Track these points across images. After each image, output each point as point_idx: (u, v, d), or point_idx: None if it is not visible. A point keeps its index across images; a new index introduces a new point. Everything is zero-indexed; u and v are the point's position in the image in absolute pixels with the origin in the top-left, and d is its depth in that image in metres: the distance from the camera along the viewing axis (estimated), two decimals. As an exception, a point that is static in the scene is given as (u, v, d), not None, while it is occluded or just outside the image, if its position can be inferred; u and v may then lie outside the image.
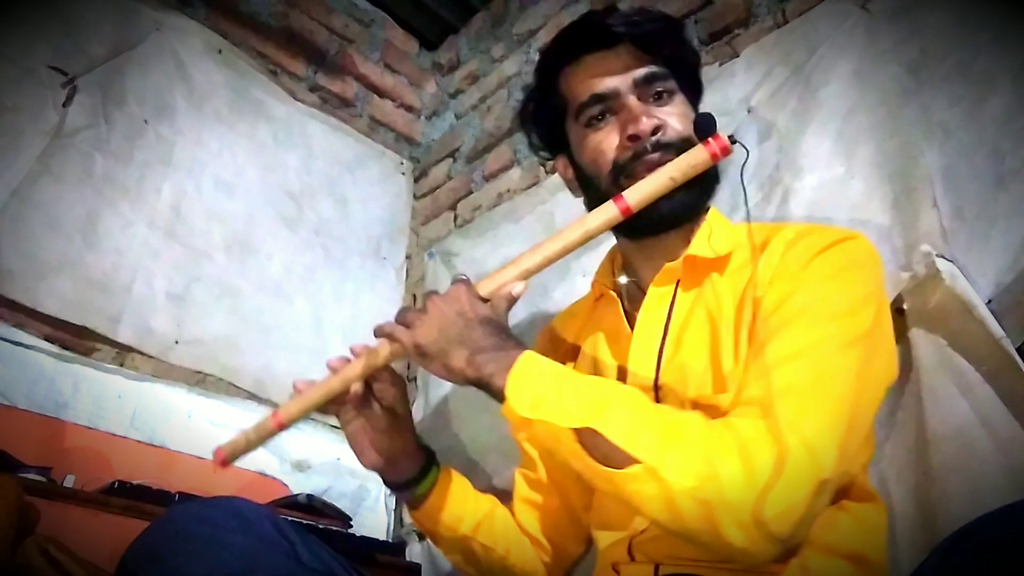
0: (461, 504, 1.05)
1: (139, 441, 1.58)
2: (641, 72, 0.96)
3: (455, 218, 2.19)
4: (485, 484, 1.67)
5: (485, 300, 0.87)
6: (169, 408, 1.65)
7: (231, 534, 0.78)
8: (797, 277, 0.84)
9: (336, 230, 2.10)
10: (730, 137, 0.87)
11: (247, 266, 1.87)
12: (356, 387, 0.93)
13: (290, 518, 1.46)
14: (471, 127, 2.25)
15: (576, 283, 1.64)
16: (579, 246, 0.89)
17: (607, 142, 0.96)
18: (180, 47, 1.90)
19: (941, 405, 1.07)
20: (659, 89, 0.97)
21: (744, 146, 0.88)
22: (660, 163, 0.90)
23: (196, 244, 1.79)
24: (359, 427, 0.98)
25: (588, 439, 0.74)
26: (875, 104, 1.32)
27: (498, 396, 0.79)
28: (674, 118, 0.95)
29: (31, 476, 1.28)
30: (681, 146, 0.91)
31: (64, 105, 1.66)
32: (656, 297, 0.97)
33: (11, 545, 1.06)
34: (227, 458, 0.94)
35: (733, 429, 0.72)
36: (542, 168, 1.92)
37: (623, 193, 0.88)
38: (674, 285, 0.97)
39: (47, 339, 1.53)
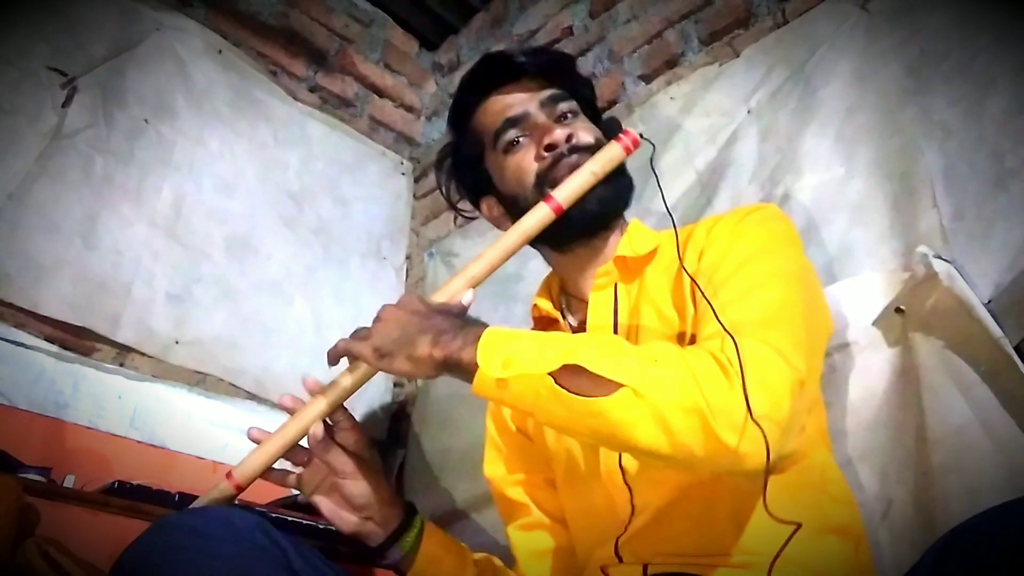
0: (458, 553, 1.02)
1: (139, 441, 1.58)
2: (546, 93, 1.06)
3: (455, 218, 2.18)
4: (487, 486, 1.66)
5: None
6: (169, 408, 1.65)
7: (222, 544, 0.77)
8: (727, 241, 0.92)
9: (336, 230, 2.10)
10: (640, 134, 1.00)
11: (247, 266, 1.87)
12: (316, 429, 0.90)
13: (290, 518, 1.47)
14: (471, 127, 2.25)
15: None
16: (519, 249, 0.98)
17: (526, 160, 1.03)
18: (180, 47, 1.90)
19: (941, 405, 1.07)
20: (564, 109, 1.06)
21: (651, 142, 1.02)
22: (578, 164, 0.99)
23: (196, 244, 1.79)
24: (328, 487, 0.95)
25: (568, 379, 0.74)
26: (875, 104, 1.32)
27: (469, 369, 0.79)
28: (582, 131, 1.04)
29: (31, 476, 1.27)
30: (594, 150, 1.01)
31: (63, 106, 1.66)
32: (599, 300, 1.02)
33: (11, 546, 1.05)
34: None
35: (704, 348, 0.77)
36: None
37: (551, 193, 0.97)
38: (613, 286, 1.02)
39: (47, 339, 1.53)
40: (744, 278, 0.86)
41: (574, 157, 1.00)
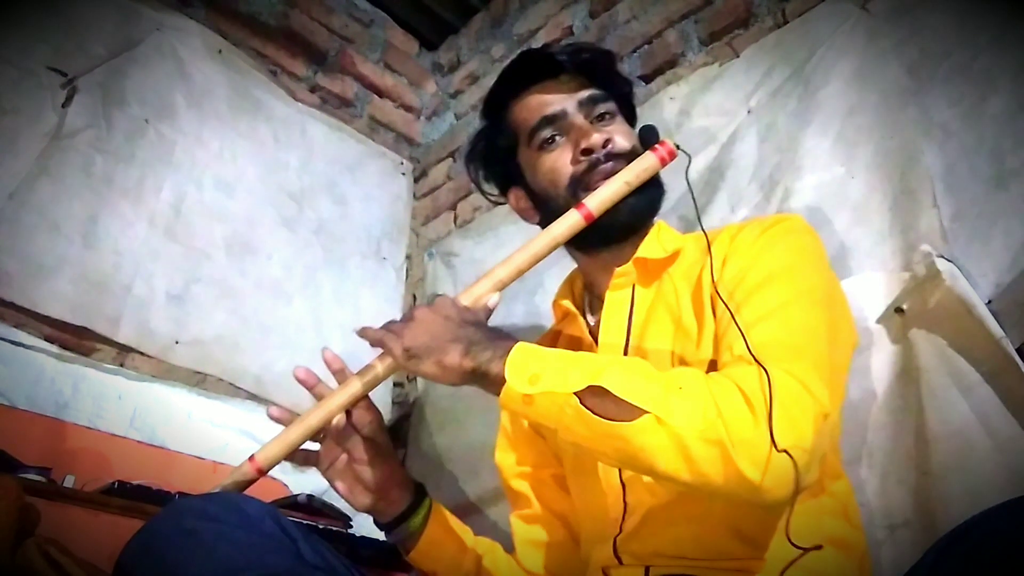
0: (460, 538, 1.04)
1: (139, 441, 1.58)
2: (585, 94, 1.05)
3: (455, 218, 2.19)
4: (485, 486, 1.67)
5: None
6: (169, 408, 1.65)
7: (233, 529, 0.77)
8: (750, 253, 0.91)
9: (336, 230, 2.10)
10: (676, 145, 0.99)
11: (247, 266, 1.87)
12: (339, 419, 0.92)
13: (290, 518, 1.47)
14: (471, 127, 2.25)
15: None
16: (547, 255, 0.96)
17: (561, 160, 1.02)
18: (180, 47, 1.90)
19: (941, 405, 1.07)
20: (602, 111, 1.05)
21: (686, 152, 0.99)
22: (613, 172, 0.98)
23: (196, 244, 1.79)
24: (343, 466, 0.97)
25: (592, 400, 0.75)
26: (875, 104, 1.32)
27: (496, 382, 0.80)
28: (619, 135, 1.03)
29: (31, 476, 1.27)
30: (630, 157, 1.00)
31: (63, 106, 1.66)
32: (615, 301, 1.02)
33: (11, 546, 1.05)
34: None
35: (728, 376, 0.76)
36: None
37: (584, 201, 0.96)
38: (631, 288, 1.02)
39: (47, 339, 1.53)
40: (767, 297, 0.85)
41: (609, 164, 0.99)
